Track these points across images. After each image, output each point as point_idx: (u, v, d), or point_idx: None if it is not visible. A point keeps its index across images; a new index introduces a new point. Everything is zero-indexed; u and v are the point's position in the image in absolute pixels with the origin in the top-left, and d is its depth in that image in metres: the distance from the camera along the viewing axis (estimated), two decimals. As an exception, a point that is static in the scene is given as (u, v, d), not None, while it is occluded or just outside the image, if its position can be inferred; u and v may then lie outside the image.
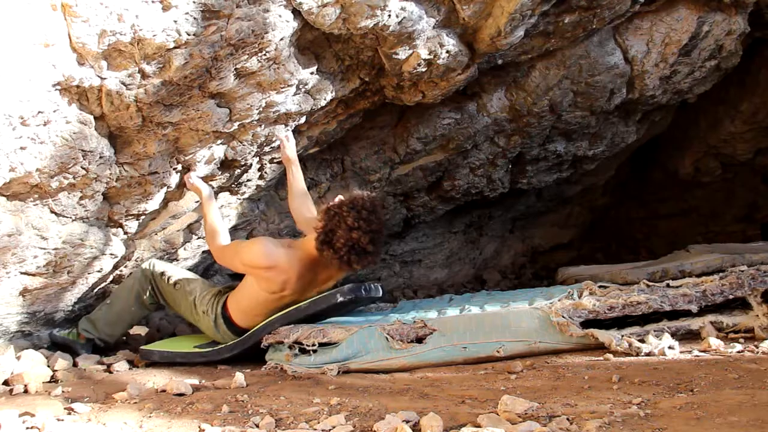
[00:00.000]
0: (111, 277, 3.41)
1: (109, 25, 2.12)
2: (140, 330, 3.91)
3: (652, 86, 4.19)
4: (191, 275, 3.50)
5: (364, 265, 3.03)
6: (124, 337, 3.70)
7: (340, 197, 3.06)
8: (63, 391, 2.65)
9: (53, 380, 2.89)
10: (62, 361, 3.03)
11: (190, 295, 3.34)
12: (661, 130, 5.45)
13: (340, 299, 3.09)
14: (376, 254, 3.03)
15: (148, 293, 3.40)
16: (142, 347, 3.35)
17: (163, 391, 2.65)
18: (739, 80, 5.01)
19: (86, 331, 3.35)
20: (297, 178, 3.41)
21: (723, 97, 5.21)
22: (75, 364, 3.15)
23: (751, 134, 5.37)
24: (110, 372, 3.09)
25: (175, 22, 2.24)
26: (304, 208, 3.37)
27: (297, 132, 3.42)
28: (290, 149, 3.37)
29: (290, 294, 3.15)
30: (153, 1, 2.15)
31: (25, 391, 2.69)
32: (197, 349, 3.27)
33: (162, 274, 3.41)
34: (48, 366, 2.97)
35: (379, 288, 3.27)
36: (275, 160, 3.57)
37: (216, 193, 3.50)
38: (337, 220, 2.95)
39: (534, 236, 6.51)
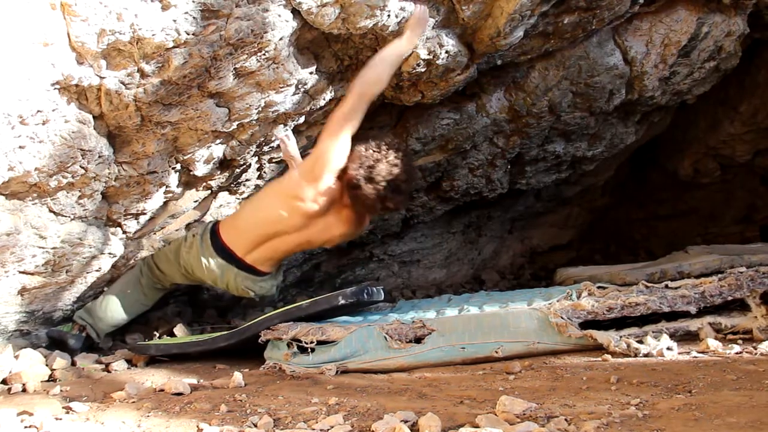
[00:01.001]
0: (109, 277, 3.41)
1: (109, 25, 2.12)
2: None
3: (652, 87, 4.19)
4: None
5: (396, 205, 3.09)
6: (116, 340, 3.69)
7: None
8: (61, 390, 2.65)
9: (51, 379, 2.89)
10: (61, 360, 3.03)
11: (181, 238, 3.42)
12: (661, 131, 5.45)
13: (342, 302, 3.09)
14: (407, 196, 3.16)
15: (146, 277, 3.43)
16: (138, 343, 3.35)
17: (162, 390, 2.64)
18: (739, 81, 5.01)
19: (81, 318, 3.34)
20: None
21: (722, 98, 5.21)
22: (73, 364, 3.14)
23: (750, 135, 5.37)
24: (108, 371, 3.09)
25: (175, 21, 2.24)
26: None
27: (296, 132, 3.42)
28: (292, 147, 3.37)
29: (293, 223, 3.16)
30: (152, 1, 2.15)
31: (24, 390, 2.69)
32: (193, 338, 3.28)
33: (160, 249, 3.48)
34: (46, 365, 2.97)
35: (381, 291, 3.26)
36: (274, 160, 3.57)
37: (215, 193, 3.51)
38: (377, 157, 3.02)
39: (533, 237, 6.51)
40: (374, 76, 2.92)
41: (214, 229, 3.30)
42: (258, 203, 3.30)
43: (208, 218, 3.64)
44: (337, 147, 3.01)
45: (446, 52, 3.21)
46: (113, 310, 3.40)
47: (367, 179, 3.00)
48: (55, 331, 3.33)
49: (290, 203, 3.12)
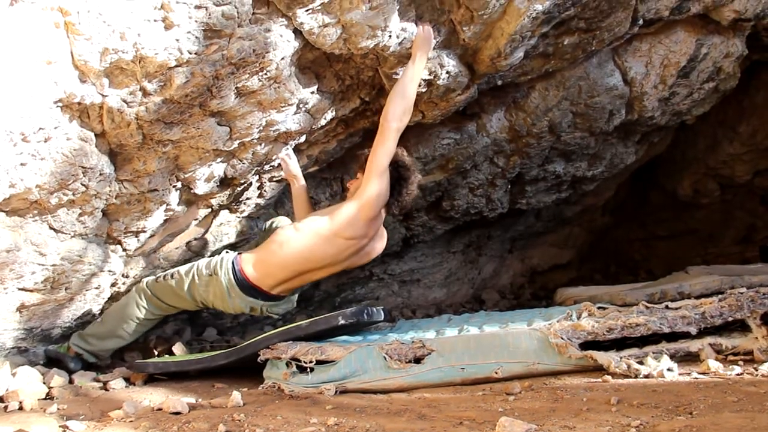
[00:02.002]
0: (109, 294, 3.40)
1: (112, 43, 2.13)
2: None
3: (651, 108, 4.21)
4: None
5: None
6: (114, 358, 3.67)
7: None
8: (58, 409, 2.63)
9: (48, 397, 2.87)
10: (58, 378, 3.02)
11: (188, 274, 3.27)
12: (660, 151, 5.47)
13: (342, 322, 3.08)
14: None
15: (145, 310, 3.35)
16: (136, 361, 3.34)
17: (160, 409, 2.63)
18: (738, 102, 5.04)
19: (76, 345, 3.32)
20: (303, 191, 3.43)
21: (721, 118, 5.24)
22: (71, 382, 3.13)
23: (749, 156, 5.39)
24: (106, 389, 3.07)
25: (177, 40, 2.26)
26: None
27: (297, 151, 3.43)
28: (293, 166, 3.38)
29: (341, 258, 3.23)
30: (155, 20, 2.17)
31: (20, 408, 2.67)
32: (192, 356, 3.26)
33: (156, 279, 3.36)
34: (44, 383, 2.96)
35: (381, 311, 3.26)
36: (275, 179, 3.57)
37: (215, 211, 3.51)
38: (407, 172, 3.22)
39: (533, 256, 6.51)
40: (404, 108, 2.99)
41: (236, 268, 3.21)
42: (298, 245, 3.18)
43: (210, 238, 3.63)
44: (387, 182, 3.11)
45: (447, 72, 3.23)
46: (110, 337, 3.37)
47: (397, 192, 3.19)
48: (53, 351, 3.31)
49: (344, 243, 3.15)
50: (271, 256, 3.20)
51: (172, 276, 3.32)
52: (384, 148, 3.01)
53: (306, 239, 3.17)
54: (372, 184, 3.06)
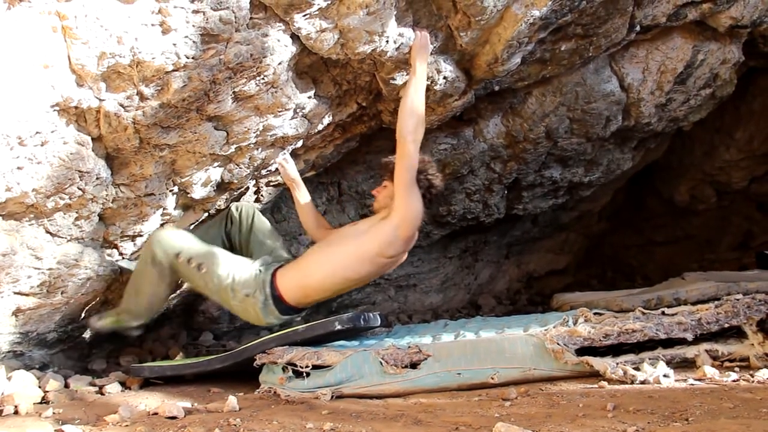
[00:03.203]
0: (105, 298, 3.39)
1: (109, 48, 2.14)
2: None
3: (648, 114, 4.22)
4: (216, 250, 3.22)
5: None
6: (110, 362, 3.67)
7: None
8: (54, 413, 2.62)
9: (44, 401, 2.86)
10: (54, 383, 3.01)
11: (224, 279, 3.13)
12: (657, 157, 5.48)
13: (339, 327, 3.07)
14: None
15: (168, 271, 3.18)
16: (132, 365, 3.33)
17: (155, 413, 2.62)
18: (735, 108, 5.06)
19: (125, 320, 3.25)
20: (303, 194, 3.42)
21: (718, 125, 5.25)
22: (67, 386, 3.12)
23: (746, 162, 5.40)
24: (102, 394, 3.06)
25: (175, 45, 2.26)
26: (320, 221, 3.46)
27: (294, 155, 3.43)
28: (291, 170, 3.37)
29: (378, 274, 3.24)
30: (152, 24, 2.17)
31: (16, 413, 2.66)
32: (188, 360, 3.24)
33: (177, 255, 3.13)
34: (39, 387, 2.95)
35: (378, 317, 3.26)
36: (272, 184, 3.58)
37: (212, 216, 3.50)
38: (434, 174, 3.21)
39: (529, 262, 6.51)
40: (416, 121, 2.97)
41: (275, 292, 3.14)
42: (339, 268, 3.14)
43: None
44: (418, 195, 3.09)
45: (444, 77, 3.24)
46: (150, 305, 3.26)
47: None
48: (106, 328, 3.23)
49: (385, 261, 3.14)
50: (310, 280, 3.15)
51: (199, 267, 3.14)
52: (406, 165, 2.99)
53: (348, 261, 3.14)
54: (404, 203, 3.03)
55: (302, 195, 3.43)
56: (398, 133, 2.97)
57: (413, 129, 2.96)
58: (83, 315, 3.23)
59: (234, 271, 3.14)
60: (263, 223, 3.49)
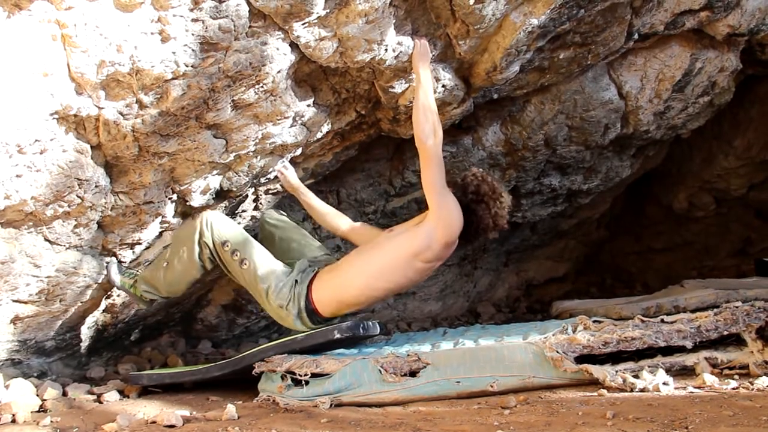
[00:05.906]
0: (104, 306, 3.39)
1: (108, 56, 2.14)
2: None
3: (647, 121, 4.22)
4: (259, 249, 3.19)
5: None
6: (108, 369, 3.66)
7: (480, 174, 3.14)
8: (52, 421, 2.62)
9: (42, 410, 2.85)
10: (52, 391, 3.00)
11: (262, 282, 3.11)
12: (656, 164, 5.48)
13: (338, 336, 3.06)
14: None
15: (207, 257, 3.17)
16: (131, 372, 3.32)
17: (154, 422, 2.61)
18: (733, 116, 5.06)
19: (149, 293, 3.22)
20: (311, 197, 3.41)
21: (716, 132, 5.26)
22: (65, 394, 3.11)
23: (744, 170, 5.41)
24: (100, 402, 3.05)
25: (174, 53, 2.27)
26: (340, 218, 3.41)
27: (293, 163, 3.42)
28: (292, 177, 3.37)
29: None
30: (152, 33, 2.17)
31: (13, 421, 2.65)
32: (186, 368, 3.23)
33: (224, 243, 3.13)
34: (37, 395, 2.94)
35: (377, 326, 3.24)
36: (271, 192, 3.57)
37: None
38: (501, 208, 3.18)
39: (528, 270, 6.50)
40: (432, 123, 2.93)
41: (310, 305, 3.10)
42: (375, 280, 3.10)
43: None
44: (453, 199, 3.03)
45: (443, 86, 3.24)
46: (177, 282, 3.22)
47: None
48: (125, 288, 3.18)
49: (423, 266, 3.10)
50: (345, 295, 3.11)
51: (242, 263, 3.13)
52: (431, 170, 2.96)
53: (383, 270, 3.09)
54: (436, 204, 2.99)
55: (310, 198, 3.40)
56: (417, 140, 2.94)
57: (429, 132, 2.92)
58: (107, 263, 3.14)
59: (272, 278, 3.12)
60: (286, 222, 3.50)
